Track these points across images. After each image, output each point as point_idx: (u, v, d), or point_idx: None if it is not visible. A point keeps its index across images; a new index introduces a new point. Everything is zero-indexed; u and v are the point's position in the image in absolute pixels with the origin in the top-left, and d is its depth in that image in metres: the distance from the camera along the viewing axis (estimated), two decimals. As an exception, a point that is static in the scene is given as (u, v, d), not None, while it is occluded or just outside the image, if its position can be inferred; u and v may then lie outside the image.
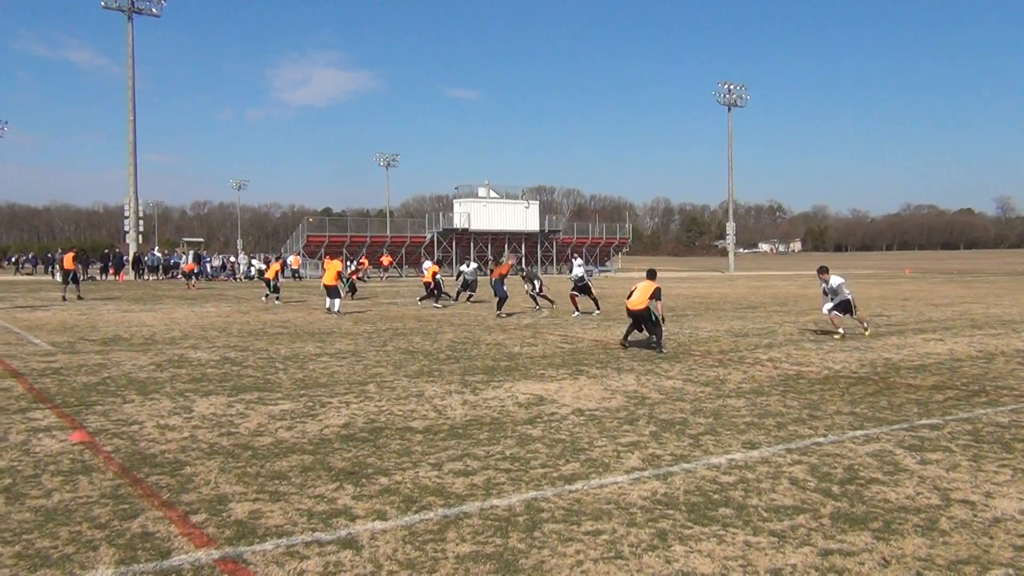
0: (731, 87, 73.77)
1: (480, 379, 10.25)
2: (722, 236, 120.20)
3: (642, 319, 13.36)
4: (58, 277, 32.01)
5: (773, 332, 16.42)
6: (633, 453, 6.44)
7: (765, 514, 4.94)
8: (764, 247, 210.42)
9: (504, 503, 5.15)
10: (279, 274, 26.18)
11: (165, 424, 7.46)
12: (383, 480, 5.65)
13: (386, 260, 54.16)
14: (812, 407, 8.41)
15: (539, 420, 7.74)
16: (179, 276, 46.20)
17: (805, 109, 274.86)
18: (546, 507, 5.06)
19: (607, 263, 74.39)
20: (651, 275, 14.05)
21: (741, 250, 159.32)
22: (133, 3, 49.78)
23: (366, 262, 51.04)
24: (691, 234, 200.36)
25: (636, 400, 8.81)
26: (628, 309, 13.58)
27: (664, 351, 13.00)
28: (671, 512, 4.97)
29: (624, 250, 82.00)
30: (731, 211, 79.56)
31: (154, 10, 50.64)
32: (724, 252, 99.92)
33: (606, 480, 5.67)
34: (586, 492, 5.39)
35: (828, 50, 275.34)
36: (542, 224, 67.88)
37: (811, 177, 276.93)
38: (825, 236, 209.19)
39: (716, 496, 5.30)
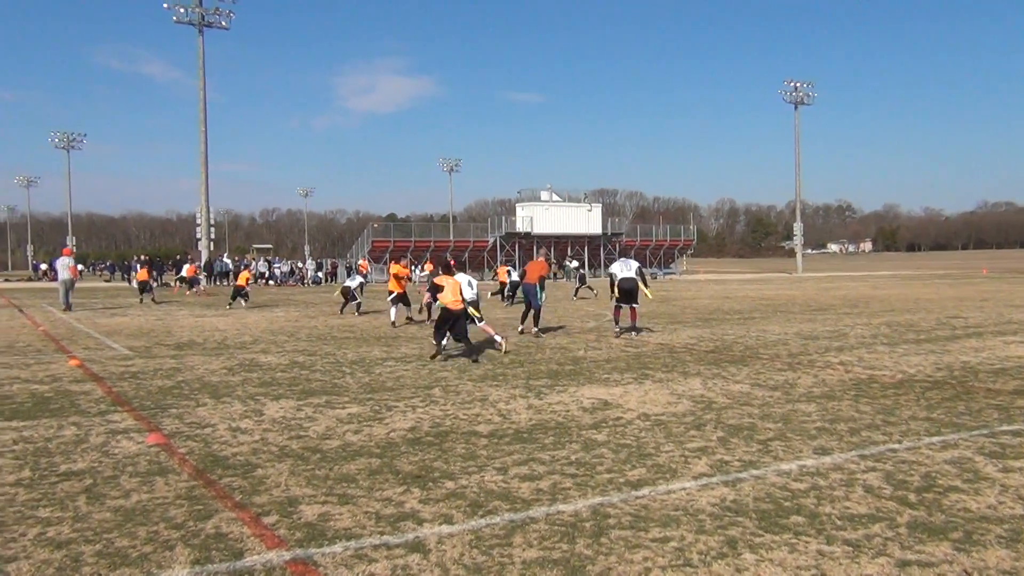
0: (797, 85, 72.49)
1: (544, 383, 10.24)
2: (789, 237, 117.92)
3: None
4: (135, 284, 33.74)
5: (844, 335, 16.04)
6: (701, 459, 6.35)
7: (839, 522, 4.82)
8: (833, 248, 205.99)
9: (570, 508, 5.13)
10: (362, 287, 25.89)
11: (237, 427, 7.63)
12: (449, 484, 5.68)
13: (428, 266, 54.27)
14: (886, 412, 8.17)
15: (604, 425, 7.69)
16: (265, 284, 47.53)
17: (874, 105, 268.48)
18: (613, 513, 5.02)
19: (671, 265, 73.73)
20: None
21: (809, 251, 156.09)
22: (203, 17, 51.14)
23: (431, 266, 51.46)
24: (757, 235, 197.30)
25: (703, 405, 8.69)
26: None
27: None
28: (741, 519, 4.88)
29: (688, 252, 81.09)
30: (798, 211, 78.06)
31: (223, 23, 51.94)
32: (791, 253, 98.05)
33: (673, 486, 5.60)
34: (653, 498, 5.33)
35: (897, 44, 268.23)
36: (605, 227, 67.61)
37: (881, 175, 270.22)
38: (897, 236, 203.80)
39: (787, 503, 5.19)
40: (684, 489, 5.52)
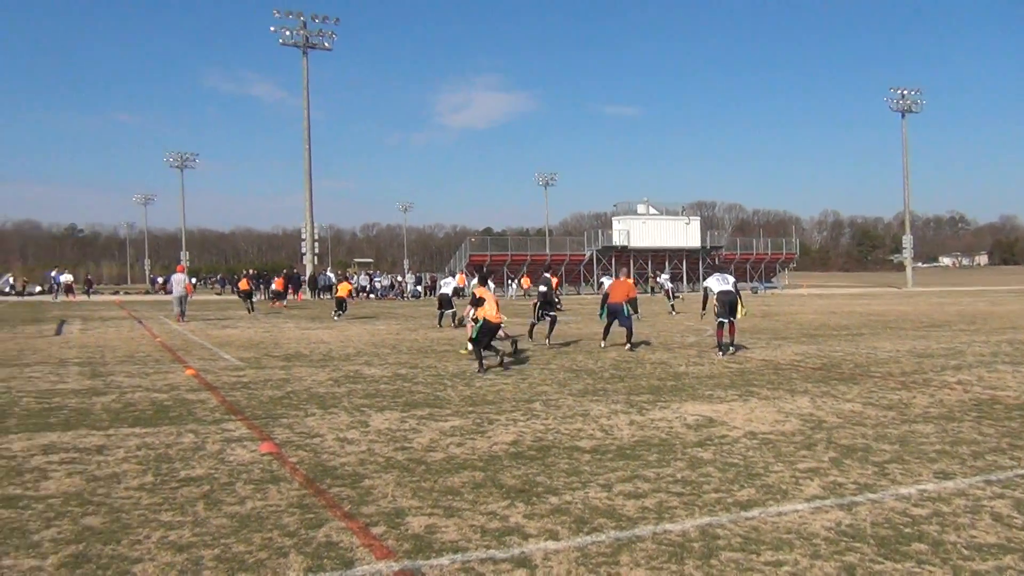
0: (904, 92, 69.90)
1: (646, 399, 10.11)
2: (897, 250, 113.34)
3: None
4: (268, 297, 35.81)
5: (961, 352, 15.29)
6: (813, 480, 6.13)
7: (966, 552, 4.57)
8: (945, 261, 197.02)
9: (677, 528, 5.03)
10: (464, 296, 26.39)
11: (344, 437, 7.80)
12: (553, 499, 5.65)
13: (526, 282, 54.25)
14: (1012, 436, 7.73)
15: (709, 443, 7.53)
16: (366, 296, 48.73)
17: (988, 112, 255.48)
18: (722, 534, 4.90)
19: (773, 279, 71.96)
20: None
21: (919, 264, 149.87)
22: (308, 39, 53.00)
23: (528, 281, 51.66)
24: (863, 248, 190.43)
25: (812, 424, 8.41)
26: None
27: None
28: (858, 545, 4.69)
29: (791, 266, 79.01)
30: (907, 223, 75.13)
31: (326, 44, 53.67)
32: (900, 267, 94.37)
33: (785, 508, 5.43)
34: (763, 520, 5.17)
35: (1010, 47, 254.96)
36: (703, 240, 66.55)
37: (997, 185, 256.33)
38: (1015, 248, 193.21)
39: (908, 530, 4.95)
40: (796, 511, 5.35)
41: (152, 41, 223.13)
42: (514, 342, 15.10)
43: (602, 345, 16.58)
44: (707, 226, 77.51)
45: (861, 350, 16.00)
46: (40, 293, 58.08)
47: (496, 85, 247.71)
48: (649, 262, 63.05)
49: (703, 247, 66.00)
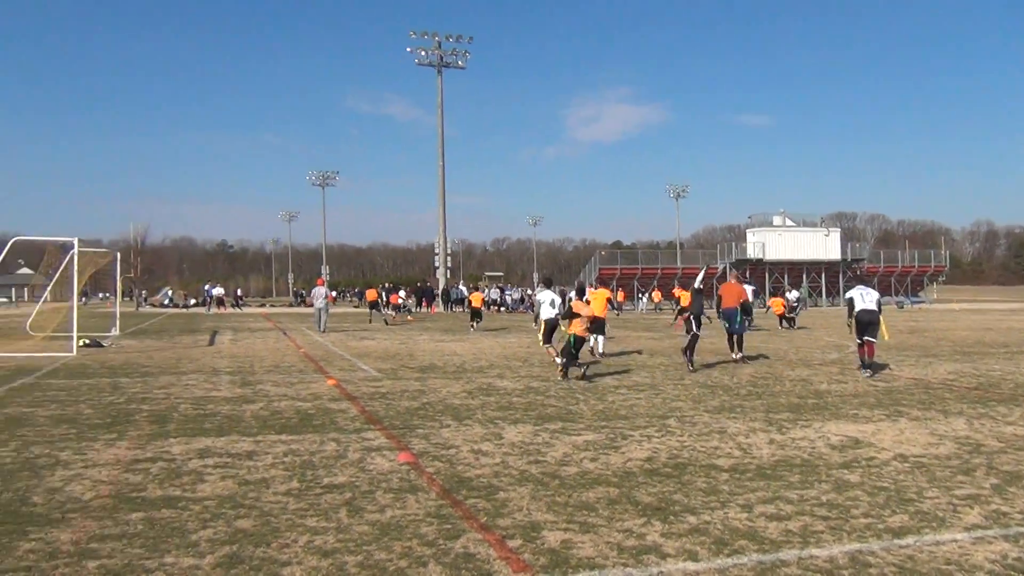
0: (1071, 92, 64.95)
1: (786, 417, 9.76)
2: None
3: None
4: (389, 310, 37.36)
5: None
6: (972, 508, 5.74)
7: None
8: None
9: (824, 553, 4.81)
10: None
11: (478, 449, 7.90)
12: (691, 519, 5.52)
13: (657, 296, 53.32)
14: None
15: (856, 464, 7.18)
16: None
17: None
18: (874, 562, 4.64)
19: (919, 293, 68.28)
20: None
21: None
22: (442, 58, 54.44)
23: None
24: (1021, 260, 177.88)
25: (970, 447, 7.88)
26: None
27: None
28: (1027, 580, 4.35)
29: (940, 279, 74.73)
30: (1074, 233, 69.59)
31: (460, 63, 54.97)
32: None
33: (942, 537, 5.10)
34: (919, 549, 4.88)
35: None
36: (844, 252, 63.86)
37: None
38: None
39: (1085, 566, 4.56)
40: (955, 541, 5.01)
41: (297, 64, 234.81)
42: (592, 361, 14.89)
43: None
44: (847, 237, 74.43)
45: (1022, 369, 14.90)
46: (195, 305, 61.82)
47: (627, 97, 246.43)
48: (785, 275, 61.03)
49: (843, 259, 63.32)
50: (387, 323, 32.75)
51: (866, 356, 14.04)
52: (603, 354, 17.15)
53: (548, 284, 17.92)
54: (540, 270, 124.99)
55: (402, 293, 42.48)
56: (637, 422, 9.44)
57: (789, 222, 63.51)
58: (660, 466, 7.14)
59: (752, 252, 61.41)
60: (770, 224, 63.05)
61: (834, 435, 8.57)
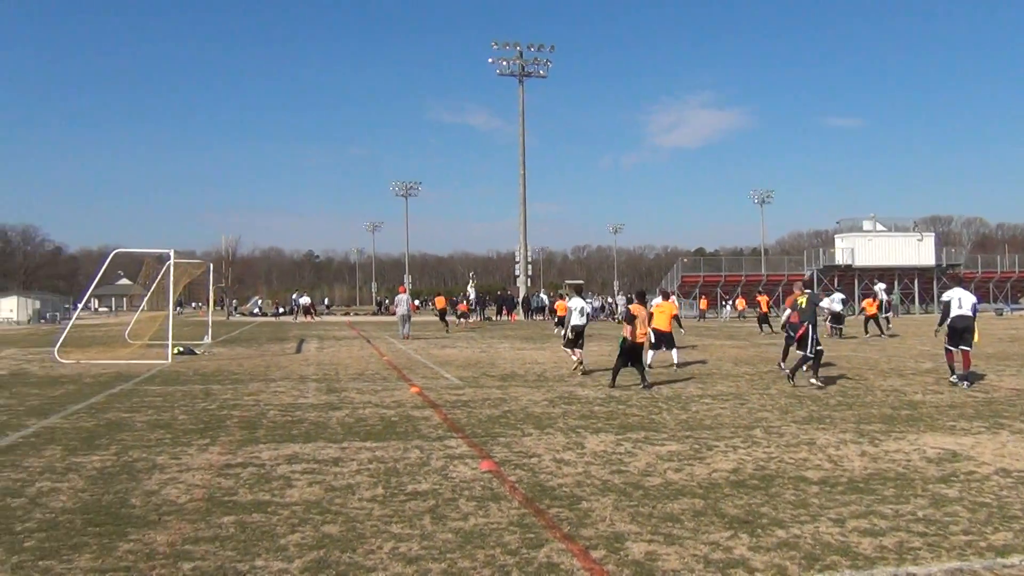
0: None
1: (878, 428, 9.43)
2: None
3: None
4: (456, 317, 37.81)
5: None
6: (1083, 527, 5.43)
7: None
8: None
9: (922, 571, 4.62)
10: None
11: (560, 458, 7.87)
12: (780, 532, 5.37)
13: (741, 303, 51.97)
14: None
15: (954, 479, 6.88)
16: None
17: None
18: (975, 581, 4.44)
19: (1020, 300, 65.09)
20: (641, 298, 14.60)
21: None
22: (523, 68, 54.73)
23: (743, 302, 50.05)
24: None
25: (1079, 463, 7.47)
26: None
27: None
28: None
29: (1043, 285, 71.13)
30: None
31: (541, 72, 55.21)
32: None
33: (1051, 557, 4.84)
34: (1025, 569, 4.64)
35: None
36: (938, 257, 61.44)
37: None
38: None
39: None
40: (1065, 561, 4.75)
41: (380, 76, 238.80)
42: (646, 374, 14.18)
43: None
44: (942, 242, 71.63)
45: None
46: (283, 314, 63.51)
47: (709, 102, 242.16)
48: (875, 282, 59.10)
49: (938, 265, 60.95)
50: (447, 332, 32.98)
51: (958, 364, 13.40)
52: (679, 365, 16.82)
53: (579, 292, 18.35)
54: (621, 278, 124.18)
55: (472, 296, 43.08)
56: (722, 432, 9.27)
57: (880, 227, 61.46)
58: (746, 478, 6.99)
59: (840, 258, 59.66)
60: (860, 229, 61.12)
61: (930, 448, 8.24)
